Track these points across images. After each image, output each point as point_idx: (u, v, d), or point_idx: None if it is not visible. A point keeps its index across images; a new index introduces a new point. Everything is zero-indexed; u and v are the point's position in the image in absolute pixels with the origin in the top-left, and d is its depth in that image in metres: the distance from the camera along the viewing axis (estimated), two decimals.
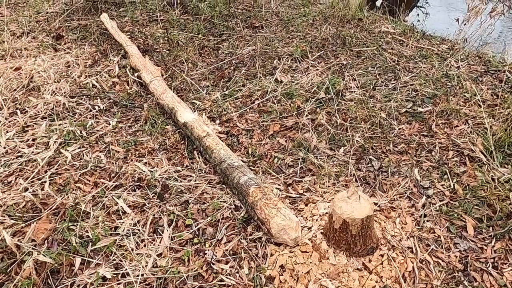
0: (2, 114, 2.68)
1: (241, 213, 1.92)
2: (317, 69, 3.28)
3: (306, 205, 1.92)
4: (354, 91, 2.87)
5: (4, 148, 2.45)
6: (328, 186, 2.04)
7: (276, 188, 2.06)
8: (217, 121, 2.69)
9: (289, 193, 2.03)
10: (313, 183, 2.09)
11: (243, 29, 4.25)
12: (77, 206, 1.95)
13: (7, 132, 2.57)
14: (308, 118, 2.57)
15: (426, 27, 4.53)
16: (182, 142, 2.53)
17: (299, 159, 2.26)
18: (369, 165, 2.19)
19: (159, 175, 2.21)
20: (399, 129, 2.48)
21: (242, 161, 2.30)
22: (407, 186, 2.04)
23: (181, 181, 2.16)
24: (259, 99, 2.86)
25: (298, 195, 2.00)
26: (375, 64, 3.27)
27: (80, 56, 3.60)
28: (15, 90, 2.96)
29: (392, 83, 2.98)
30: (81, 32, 4.19)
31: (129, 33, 4.18)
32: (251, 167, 2.26)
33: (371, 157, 2.23)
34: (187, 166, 2.31)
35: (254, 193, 1.83)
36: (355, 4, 4.70)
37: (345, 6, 4.75)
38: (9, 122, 2.65)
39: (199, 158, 2.35)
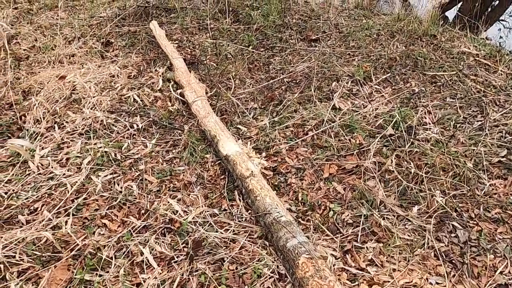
0: (40, 128, 2.55)
1: (286, 286, 1.55)
2: (383, 96, 2.82)
3: (370, 286, 1.51)
4: (430, 128, 2.38)
5: (37, 167, 2.30)
6: (399, 261, 1.61)
7: (330, 254, 1.67)
8: (263, 154, 2.35)
9: (348, 264, 1.63)
10: (379, 253, 1.66)
11: (297, 42, 3.87)
12: (98, 253, 1.70)
13: (42, 148, 2.43)
14: (373, 161, 2.13)
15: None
16: (222, 176, 2.22)
17: (360, 216, 1.84)
18: (453, 235, 1.72)
19: (193, 218, 1.92)
20: (490, 185, 1.97)
21: (290, 210, 1.93)
22: (507, 272, 1.55)
23: (216, 230, 1.84)
24: (313, 130, 2.47)
25: (359, 270, 1.59)
26: (455, 94, 2.74)
27: (126, 66, 3.45)
28: (56, 101, 2.84)
29: (478, 121, 2.45)
30: (130, 38, 4.07)
31: (177, 42, 3.99)
32: (300, 219, 1.89)
33: (455, 223, 1.76)
34: (225, 209, 1.99)
35: (304, 266, 1.46)
36: (427, 17, 4.13)
37: (415, 19, 4.20)
38: (45, 137, 2.51)
39: (239, 200, 2.02)
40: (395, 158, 2.14)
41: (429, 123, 2.42)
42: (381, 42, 3.67)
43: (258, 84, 3.18)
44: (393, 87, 2.91)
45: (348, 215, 1.86)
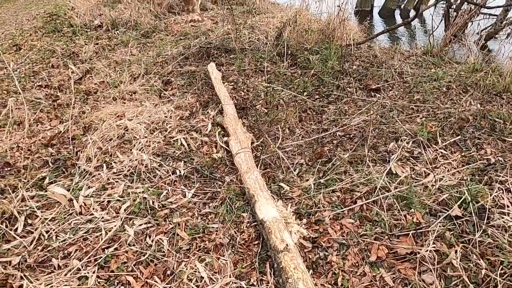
0: (90, 167, 2.65)
1: None
2: (450, 163, 2.46)
3: None
4: (509, 213, 1.98)
5: (80, 206, 2.36)
6: None
7: None
8: (304, 220, 2.14)
9: None
10: None
11: (355, 91, 3.66)
12: None
13: (89, 187, 2.50)
14: (432, 249, 1.80)
15: None
16: (256, 242, 2.05)
17: None
18: None
19: None
20: None
21: None
22: None
23: None
24: (363, 199, 2.20)
25: None
26: None
27: (180, 107, 3.53)
28: (110, 139, 2.96)
29: None
30: (189, 78, 4.21)
31: (232, 83, 4.03)
32: None
33: None
34: (253, 284, 1.80)
35: None
36: (509, 68, 3.65)
37: (494, 70, 3.74)
38: (93, 176, 2.59)
39: (270, 275, 1.82)
40: (461, 249, 1.78)
41: (508, 206, 2.02)
42: (451, 97, 3.30)
43: (308, 135, 3.02)
44: (463, 154, 2.54)
45: None
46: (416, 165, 2.47)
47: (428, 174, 2.37)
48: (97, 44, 5.70)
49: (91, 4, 7.66)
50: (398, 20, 9.06)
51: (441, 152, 2.57)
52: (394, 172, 2.40)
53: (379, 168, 2.44)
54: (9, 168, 2.71)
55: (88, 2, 7.93)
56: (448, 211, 2.00)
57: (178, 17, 7.02)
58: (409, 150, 2.63)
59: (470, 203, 2.00)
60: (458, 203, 2.02)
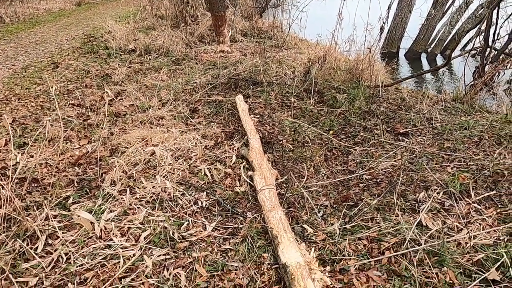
0: (114, 191, 2.66)
1: None
2: (484, 220, 2.33)
3: None
4: None
5: (101, 230, 2.34)
6: None
7: None
8: (328, 268, 2.04)
9: None
10: None
11: (383, 133, 3.61)
12: None
13: (111, 211, 2.50)
14: None
15: None
16: (277, 286, 1.96)
17: None
18: None
19: None
20: None
21: None
22: None
23: None
24: (391, 251, 2.10)
25: None
26: None
27: (205, 136, 3.56)
28: (136, 164, 2.98)
29: None
30: (216, 108, 4.27)
31: (258, 116, 4.06)
32: None
33: None
34: None
35: None
36: None
37: None
38: (116, 200, 2.59)
39: None
40: None
41: None
42: (483, 148, 3.20)
43: (333, 176, 2.96)
44: (498, 210, 2.41)
45: None
46: (448, 218, 2.36)
47: (461, 229, 2.25)
48: (129, 67, 5.92)
49: (127, 29, 8.05)
50: (424, 63, 9.09)
51: (475, 207, 2.45)
52: (425, 224, 2.29)
53: (408, 218, 2.34)
54: (36, 185, 2.75)
55: (125, 27, 8.36)
56: (484, 273, 1.87)
57: (208, 46, 7.27)
58: (439, 201, 2.52)
59: (510, 268, 1.86)
60: (496, 266, 1.89)
